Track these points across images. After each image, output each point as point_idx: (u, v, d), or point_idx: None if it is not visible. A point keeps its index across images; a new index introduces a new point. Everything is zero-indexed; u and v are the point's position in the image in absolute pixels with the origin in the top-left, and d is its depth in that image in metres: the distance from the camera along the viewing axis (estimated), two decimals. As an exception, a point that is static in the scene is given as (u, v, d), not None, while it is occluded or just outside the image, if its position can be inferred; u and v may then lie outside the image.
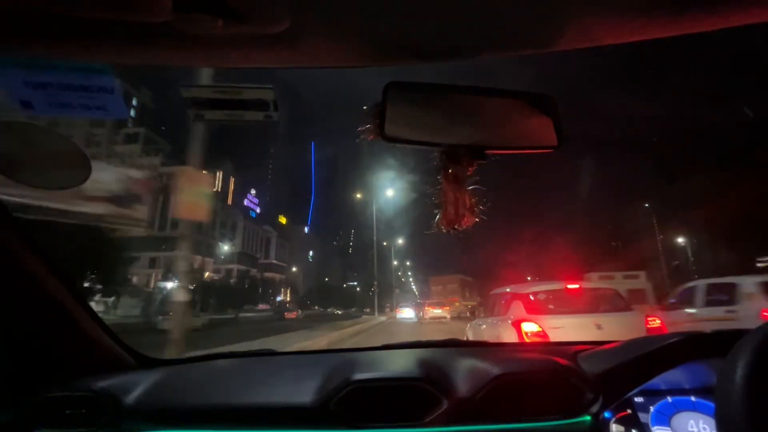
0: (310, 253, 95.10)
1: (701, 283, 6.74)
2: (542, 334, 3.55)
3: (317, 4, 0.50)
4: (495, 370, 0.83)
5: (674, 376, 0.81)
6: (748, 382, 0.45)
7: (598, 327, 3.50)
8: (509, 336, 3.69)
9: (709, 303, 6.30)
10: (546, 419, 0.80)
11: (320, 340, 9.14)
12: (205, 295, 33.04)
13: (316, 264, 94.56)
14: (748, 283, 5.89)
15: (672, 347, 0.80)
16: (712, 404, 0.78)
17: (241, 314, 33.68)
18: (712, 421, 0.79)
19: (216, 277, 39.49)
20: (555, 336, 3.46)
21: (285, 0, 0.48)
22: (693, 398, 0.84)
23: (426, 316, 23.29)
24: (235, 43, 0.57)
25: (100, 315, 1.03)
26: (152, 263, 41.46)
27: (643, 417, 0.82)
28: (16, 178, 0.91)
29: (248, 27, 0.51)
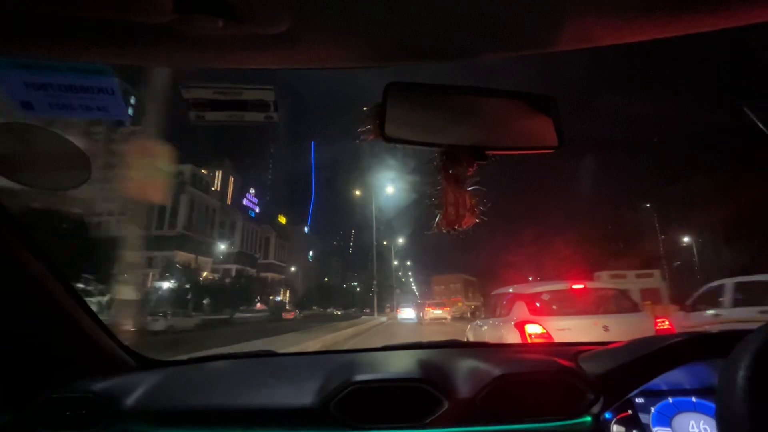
0: (310, 253, 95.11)
1: (728, 282, 6.19)
2: (547, 336, 3.40)
3: (317, 4, 0.50)
4: (496, 371, 0.83)
5: (675, 376, 0.81)
6: (750, 382, 0.45)
7: (605, 329, 3.38)
8: (512, 338, 3.55)
9: (739, 303, 5.80)
10: (547, 420, 0.80)
11: (311, 344, 8.34)
12: (198, 294, 32.87)
13: (316, 264, 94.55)
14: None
15: (673, 348, 0.80)
16: (713, 405, 0.78)
17: (238, 314, 33.34)
18: (713, 422, 0.79)
19: (211, 277, 39.26)
20: (560, 338, 3.28)
21: (285, 1, 0.48)
22: (694, 399, 0.84)
23: (426, 317, 22.92)
24: (235, 44, 0.57)
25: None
26: (150, 262, 41.41)
27: (644, 418, 0.82)
28: (16, 178, 0.91)
29: (248, 28, 0.51)
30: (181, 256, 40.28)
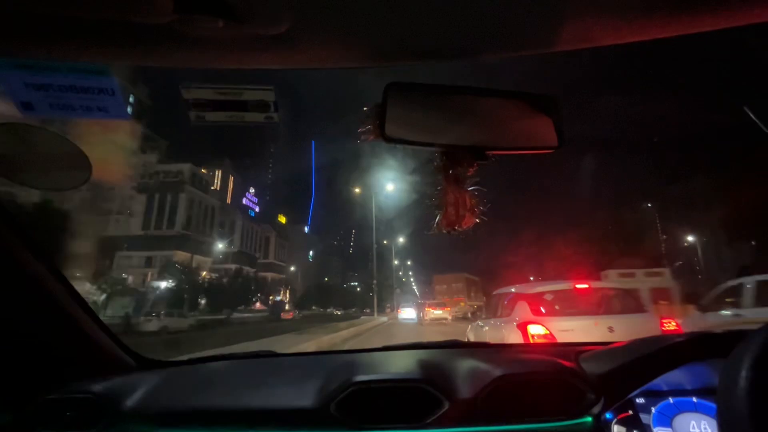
0: (310, 252, 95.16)
1: (749, 280, 5.79)
2: (549, 337, 3.31)
3: (317, 5, 0.50)
4: (496, 371, 0.83)
5: (676, 376, 0.81)
6: (751, 382, 0.45)
7: (610, 330, 3.28)
8: (514, 339, 3.47)
9: (763, 302, 5.46)
10: (547, 420, 0.80)
11: (306, 346, 7.79)
12: (196, 295, 32.68)
13: (316, 264, 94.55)
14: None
15: (673, 348, 0.80)
16: (713, 405, 0.78)
17: (236, 315, 32.96)
18: (713, 422, 0.79)
19: (210, 277, 39.07)
20: (563, 340, 3.18)
21: (285, 1, 0.48)
22: (695, 399, 0.84)
23: (426, 318, 22.64)
24: (235, 45, 0.57)
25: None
26: (148, 262, 41.32)
27: (644, 418, 0.82)
28: (17, 179, 0.91)
29: (248, 28, 0.51)
30: (180, 255, 40.14)
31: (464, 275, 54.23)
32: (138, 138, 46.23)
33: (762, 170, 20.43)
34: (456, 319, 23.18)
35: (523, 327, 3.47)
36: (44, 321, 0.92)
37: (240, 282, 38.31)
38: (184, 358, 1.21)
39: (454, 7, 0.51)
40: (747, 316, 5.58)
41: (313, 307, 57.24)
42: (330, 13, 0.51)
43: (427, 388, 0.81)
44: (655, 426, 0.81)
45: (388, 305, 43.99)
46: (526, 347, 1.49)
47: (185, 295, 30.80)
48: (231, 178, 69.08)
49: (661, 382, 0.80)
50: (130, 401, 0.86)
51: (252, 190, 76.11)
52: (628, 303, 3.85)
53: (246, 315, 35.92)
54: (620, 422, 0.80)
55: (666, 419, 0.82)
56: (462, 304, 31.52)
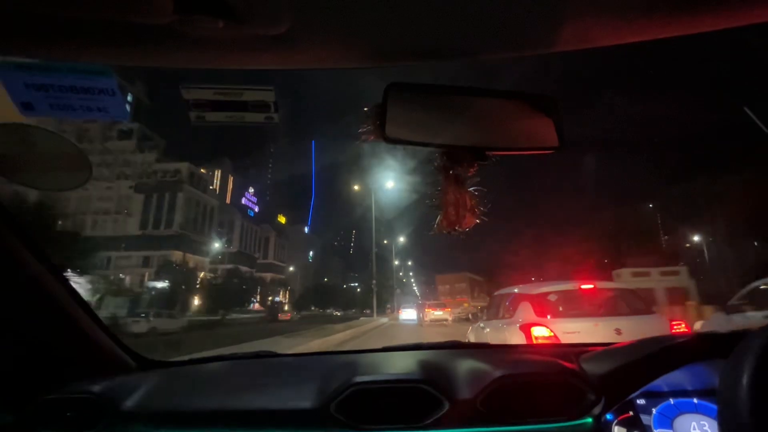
0: (310, 253, 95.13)
1: None
2: (554, 339, 3.19)
3: (317, 5, 0.50)
4: (496, 372, 0.83)
5: (676, 377, 0.80)
6: (752, 383, 0.45)
7: (618, 332, 3.14)
8: (517, 341, 3.34)
9: None
10: (547, 421, 0.79)
11: (295, 350, 6.88)
12: (192, 295, 32.46)
13: (316, 264, 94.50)
14: None
15: (674, 349, 0.80)
16: (714, 406, 0.78)
17: (234, 315, 32.45)
18: (714, 423, 0.78)
19: (208, 277, 38.78)
20: (569, 342, 3.06)
21: (285, 2, 0.48)
22: (695, 400, 0.83)
23: (426, 318, 22.36)
24: (235, 45, 0.57)
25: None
26: (144, 262, 41.14)
27: (645, 419, 0.82)
28: (17, 179, 0.91)
29: (249, 28, 0.52)
30: (178, 255, 40.02)
31: (467, 275, 53.24)
32: (138, 137, 46.09)
33: (762, 170, 20.35)
34: (459, 320, 22.74)
35: (526, 329, 3.35)
36: (44, 321, 0.92)
37: (236, 282, 37.96)
38: (185, 358, 1.21)
39: (454, 7, 0.51)
40: (777, 317, 5.25)
41: (313, 308, 57.07)
42: (330, 13, 0.51)
43: (427, 389, 0.81)
44: (655, 427, 0.81)
45: (389, 306, 43.88)
46: (527, 348, 1.49)
47: (179, 296, 30.61)
48: (230, 178, 69.04)
49: (661, 383, 0.80)
50: (131, 401, 0.86)
51: (251, 190, 76.10)
52: (636, 304, 3.70)
53: (242, 316, 35.32)
54: (621, 423, 0.80)
55: (667, 420, 0.82)
56: (466, 304, 30.52)
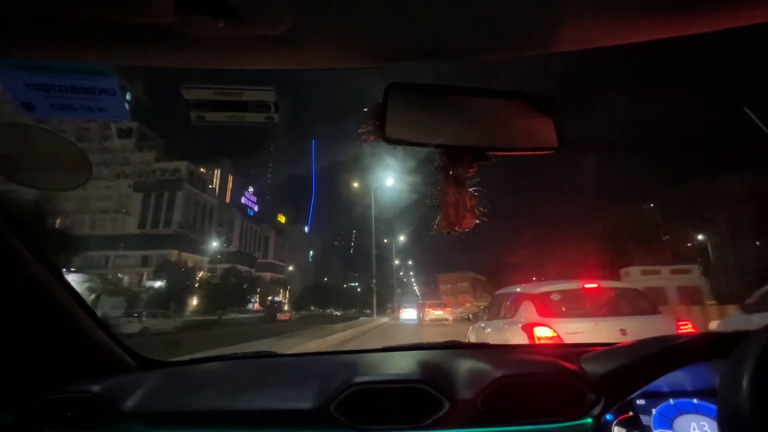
0: (310, 252, 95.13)
1: None
2: (557, 339, 3.11)
3: (317, 5, 0.50)
4: (496, 372, 0.83)
5: (676, 378, 0.80)
6: (752, 384, 0.45)
7: (623, 332, 3.07)
8: (519, 341, 3.28)
9: None
10: (547, 421, 0.79)
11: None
12: (190, 295, 32.30)
13: (316, 264, 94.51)
14: None
15: (674, 349, 0.80)
16: (714, 406, 0.78)
17: (232, 315, 32.20)
18: (714, 424, 0.78)
19: (207, 276, 38.57)
20: (572, 342, 2.99)
21: (285, 2, 0.48)
22: (695, 400, 0.83)
23: (426, 318, 22.28)
24: (235, 45, 0.57)
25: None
26: (143, 261, 41.02)
27: (645, 419, 0.82)
28: (17, 179, 0.91)
29: (249, 29, 0.52)
30: (176, 255, 39.90)
31: (470, 274, 52.61)
32: (137, 137, 45.97)
33: (762, 170, 20.25)
34: (461, 320, 22.54)
35: (528, 329, 3.29)
36: (44, 321, 0.92)
37: (235, 282, 37.73)
38: (185, 358, 1.21)
39: (454, 7, 0.51)
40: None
41: (312, 308, 56.97)
42: (330, 13, 0.51)
43: (427, 389, 0.81)
44: (655, 427, 0.81)
45: (389, 306, 43.85)
46: (527, 348, 1.49)
47: (176, 296, 30.47)
48: (230, 177, 68.97)
49: (661, 383, 0.80)
50: (131, 401, 0.86)
51: (251, 189, 76.04)
52: (641, 304, 3.62)
53: (240, 316, 35.03)
54: (621, 423, 0.80)
55: (666, 421, 0.82)
56: (468, 304, 30.25)
